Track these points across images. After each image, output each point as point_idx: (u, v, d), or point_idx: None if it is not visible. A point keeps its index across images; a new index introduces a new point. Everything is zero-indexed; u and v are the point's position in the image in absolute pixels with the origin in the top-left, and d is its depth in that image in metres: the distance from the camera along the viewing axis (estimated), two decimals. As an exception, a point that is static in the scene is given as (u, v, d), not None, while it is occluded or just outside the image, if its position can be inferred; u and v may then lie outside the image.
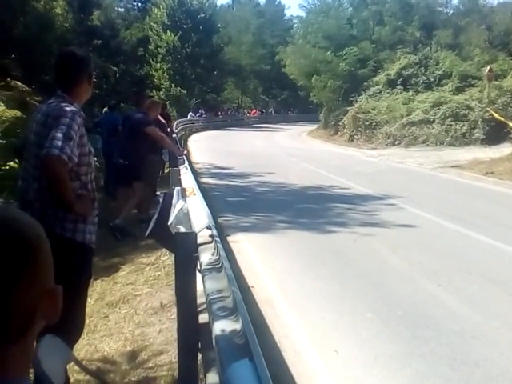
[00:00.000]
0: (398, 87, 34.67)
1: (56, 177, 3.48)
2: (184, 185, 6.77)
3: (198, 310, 3.47)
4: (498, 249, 8.33)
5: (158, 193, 9.84)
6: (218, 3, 69.14)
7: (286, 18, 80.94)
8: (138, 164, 8.93)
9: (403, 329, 5.30)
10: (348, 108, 35.34)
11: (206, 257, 3.28)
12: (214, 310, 2.48)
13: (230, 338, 2.10)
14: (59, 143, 3.44)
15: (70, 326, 4.21)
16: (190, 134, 35.57)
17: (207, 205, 5.42)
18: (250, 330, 1.94)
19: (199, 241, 3.63)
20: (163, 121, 11.53)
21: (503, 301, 6.14)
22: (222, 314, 2.39)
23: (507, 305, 6.02)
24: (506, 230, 9.64)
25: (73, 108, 3.65)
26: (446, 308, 5.88)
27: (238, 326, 2.20)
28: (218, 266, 3.10)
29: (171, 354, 4.55)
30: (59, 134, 3.47)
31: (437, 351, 4.81)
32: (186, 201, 5.51)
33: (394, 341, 5.06)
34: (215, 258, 3.23)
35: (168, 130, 13.43)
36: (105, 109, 14.26)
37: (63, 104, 3.67)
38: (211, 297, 2.66)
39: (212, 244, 3.59)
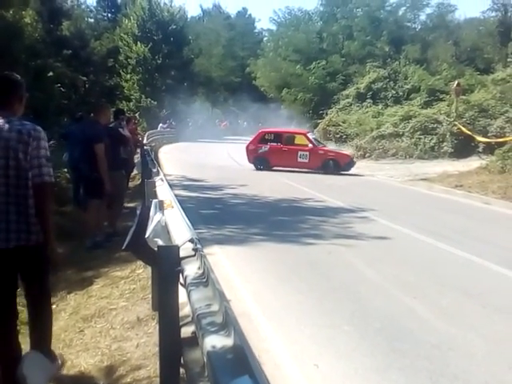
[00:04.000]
0: (368, 101, 35.16)
1: (49, 199, 4.03)
2: (160, 197, 6.72)
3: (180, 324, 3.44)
4: (470, 261, 8.43)
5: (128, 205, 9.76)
6: (189, 15, 68.80)
7: (256, 30, 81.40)
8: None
9: (381, 341, 5.32)
10: (318, 121, 35.61)
11: (191, 270, 3.25)
12: (204, 325, 2.45)
13: (223, 355, 2.07)
14: (49, 170, 3.98)
15: (49, 317, 4.41)
16: (161, 146, 35.36)
17: (183, 217, 5.38)
18: (248, 345, 1.92)
19: (182, 254, 3.60)
20: (139, 135, 11.42)
21: (477, 313, 6.21)
22: (212, 329, 2.36)
23: (481, 317, 6.09)
24: (478, 242, 9.78)
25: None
26: (423, 320, 5.92)
27: (229, 341, 2.17)
28: (204, 280, 3.07)
29: (150, 369, 4.50)
30: (44, 161, 3.96)
31: (415, 364, 4.84)
32: (163, 213, 5.46)
33: (373, 353, 5.07)
34: (201, 271, 3.21)
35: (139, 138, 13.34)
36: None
37: (30, 125, 4.03)
38: (199, 311, 2.63)
39: (195, 257, 3.56)
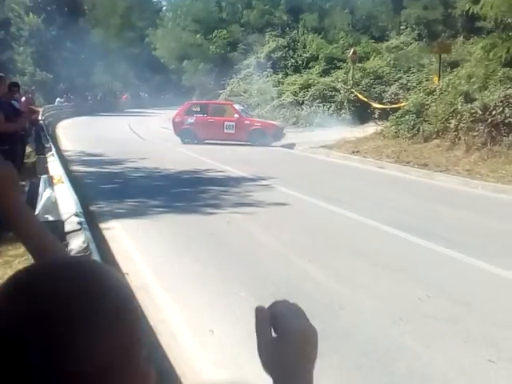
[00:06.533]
0: (268, 70, 35.33)
1: None
2: (51, 173, 6.57)
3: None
4: (363, 223, 8.79)
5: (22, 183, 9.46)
6: (83, -16, 66.36)
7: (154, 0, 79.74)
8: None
9: (276, 304, 5.48)
10: (220, 91, 35.57)
11: (76, 244, 3.24)
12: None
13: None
14: None
15: None
16: (59, 121, 34.23)
17: (78, 193, 5.32)
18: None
19: (68, 228, 3.58)
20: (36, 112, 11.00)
21: (368, 272, 6.51)
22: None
23: (372, 276, 6.39)
24: (370, 205, 10.19)
25: None
26: (316, 282, 6.15)
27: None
28: (87, 253, 3.07)
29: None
30: None
31: (308, 323, 5.03)
32: (53, 189, 5.36)
33: (268, 317, 5.22)
34: (85, 245, 3.20)
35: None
36: None
37: None
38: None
39: (81, 231, 3.54)
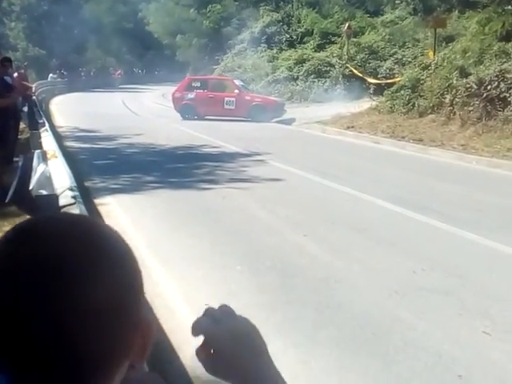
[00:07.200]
0: (263, 45, 34.97)
1: None
2: (45, 148, 6.53)
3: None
4: (358, 198, 8.81)
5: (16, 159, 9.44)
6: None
7: (147, -27, 78.64)
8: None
9: (271, 278, 5.51)
10: (214, 67, 35.31)
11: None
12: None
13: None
14: None
15: None
16: (52, 97, 33.98)
17: (73, 168, 5.29)
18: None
19: (62, 202, 3.56)
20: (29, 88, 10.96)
21: (363, 246, 6.53)
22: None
23: (367, 250, 6.41)
24: (366, 180, 10.20)
25: None
26: (312, 256, 6.17)
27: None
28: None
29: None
30: None
31: (303, 297, 5.06)
32: (47, 164, 5.33)
33: (263, 290, 5.25)
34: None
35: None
36: None
37: None
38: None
39: (75, 205, 3.52)
